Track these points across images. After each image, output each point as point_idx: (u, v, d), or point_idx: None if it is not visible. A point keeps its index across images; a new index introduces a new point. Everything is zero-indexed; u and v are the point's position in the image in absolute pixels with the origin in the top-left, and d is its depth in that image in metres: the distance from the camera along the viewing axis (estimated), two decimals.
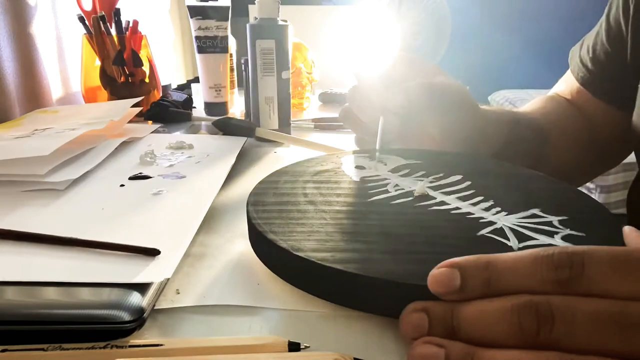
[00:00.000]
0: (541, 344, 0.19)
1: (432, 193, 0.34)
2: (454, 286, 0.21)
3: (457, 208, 0.32)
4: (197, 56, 0.79)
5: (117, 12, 0.74)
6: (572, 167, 0.58)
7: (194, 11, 0.76)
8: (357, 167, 0.40)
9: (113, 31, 0.74)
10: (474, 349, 0.20)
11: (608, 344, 0.18)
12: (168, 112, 0.73)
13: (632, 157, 0.57)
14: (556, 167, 0.55)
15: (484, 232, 0.29)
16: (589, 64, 0.56)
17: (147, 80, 0.78)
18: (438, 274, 0.21)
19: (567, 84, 0.61)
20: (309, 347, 0.23)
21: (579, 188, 0.37)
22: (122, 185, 0.43)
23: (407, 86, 0.41)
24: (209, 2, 0.77)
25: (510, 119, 0.51)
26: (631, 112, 0.51)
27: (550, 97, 0.62)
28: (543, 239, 0.27)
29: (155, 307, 0.26)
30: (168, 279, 0.28)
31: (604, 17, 0.55)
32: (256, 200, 0.33)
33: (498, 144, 0.47)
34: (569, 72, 0.61)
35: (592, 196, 0.54)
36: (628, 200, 0.55)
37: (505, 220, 0.30)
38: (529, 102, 0.62)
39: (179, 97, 0.82)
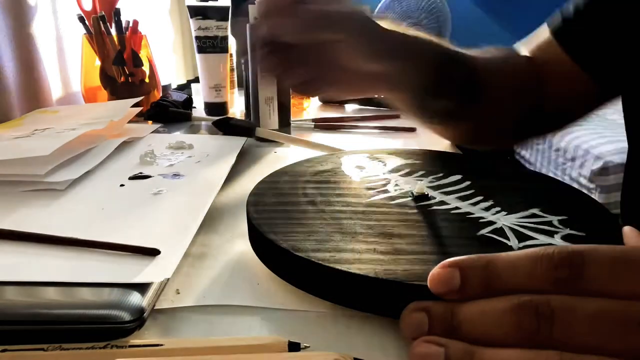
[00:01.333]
0: (541, 344, 0.19)
1: (431, 193, 0.34)
2: (454, 286, 0.21)
3: (457, 208, 0.32)
4: (197, 56, 0.79)
5: (117, 12, 0.74)
6: (505, 124, 0.55)
7: (194, 11, 0.76)
8: (357, 167, 0.40)
9: (113, 31, 0.74)
10: (474, 348, 0.20)
11: (608, 343, 0.18)
12: (168, 112, 0.73)
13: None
14: (486, 121, 0.53)
15: (484, 232, 0.29)
16: (570, 12, 0.51)
17: (147, 80, 0.78)
18: (438, 273, 0.21)
19: (535, 36, 0.56)
20: (309, 347, 0.23)
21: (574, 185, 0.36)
22: (122, 185, 0.43)
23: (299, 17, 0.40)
24: (209, 2, 0.77)
25: (439, 52, 0.48)
26: (598, 75, 0.49)
27: (502, 48, 0.57)
28: (543, 239, 0.28)
29: (155, 307, 0.26)
30: (168, 279, 0.28)
31: None
32: (256, 200, 0.33)
33: (423, 80, 0.46)
34: (542, 26, 0.56)
35: (592, 196, 0.54)
36: (622, 202, 0.54)
37: (505, 220, 0.30)
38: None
39: (179, 97, 0.82)
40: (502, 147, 0.58)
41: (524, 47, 0.57)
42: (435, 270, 0.21)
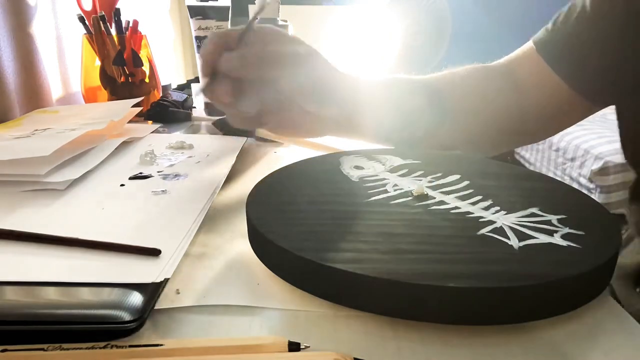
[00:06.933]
0: None
1: (431, 193, 0.35)
2: None
3: (457, 207, 0.32)
4: (197, 56, 0.79)
5: (117, 12, 0.74)
6: (484, 130, 0.55)
7: (194, 11, 0.76)
8: (356, 167, 0.40)
9: (113, 31, 0.74)
10: None
11: None
12: (168, 112, 0.73)
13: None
14: (459, 137, 0.53)
15: (484, 231, 0.29)
16: (552, 25, 0.52)
17: (147, 80, 0.78)
18: None
19: (521, 49, 0.56)
20: (309, 347, 0.23)
21: (579, 189, 0.37)
22: (122, 185, 0.43)
23: (243, 52, 0.40)
24: (209, 2, 0.77)
25: (403, 87, 0.49)
26: (583, 91, 0.50)
27: (472, 67, 0.57)
28: (543, 238, 0.28)
29: (156, 307, 0.26)
30: (168, 279, 0.28)
31: None
32: (256, 200, 0.33)
33: (381, 114, 0.46)
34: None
35: (592, 196, 0.54)
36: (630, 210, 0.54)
37: (504, 220, 0.30)
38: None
39: (179, 97, 0.82)
40: (488, 154, 0.57)
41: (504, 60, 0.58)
42: None
